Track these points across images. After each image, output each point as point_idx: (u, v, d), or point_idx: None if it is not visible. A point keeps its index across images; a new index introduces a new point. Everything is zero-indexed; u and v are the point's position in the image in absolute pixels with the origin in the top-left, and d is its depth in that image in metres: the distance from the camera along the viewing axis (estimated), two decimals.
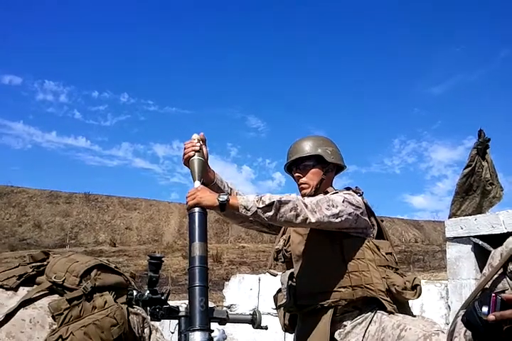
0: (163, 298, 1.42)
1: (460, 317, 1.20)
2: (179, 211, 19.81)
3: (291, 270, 1.83)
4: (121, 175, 33.67)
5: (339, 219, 1.65)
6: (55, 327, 1.36)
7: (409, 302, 1.78)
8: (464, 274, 3.74)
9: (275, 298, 1.97)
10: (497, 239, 3.45)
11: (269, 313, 4.42)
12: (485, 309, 1.07)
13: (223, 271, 9.65)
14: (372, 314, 1.69)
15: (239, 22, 39.22)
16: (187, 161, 1.65)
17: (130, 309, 1.49)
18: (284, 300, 1.81)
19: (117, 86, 37.87)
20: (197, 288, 1.35)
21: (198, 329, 1.29)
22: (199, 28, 38.00)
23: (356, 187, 1.91)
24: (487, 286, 1.22)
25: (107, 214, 19.88)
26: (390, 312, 1.66)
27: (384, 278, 1.69)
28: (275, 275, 1.92)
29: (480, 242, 3.61)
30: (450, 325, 1.25)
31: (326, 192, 1.88)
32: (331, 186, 1.96)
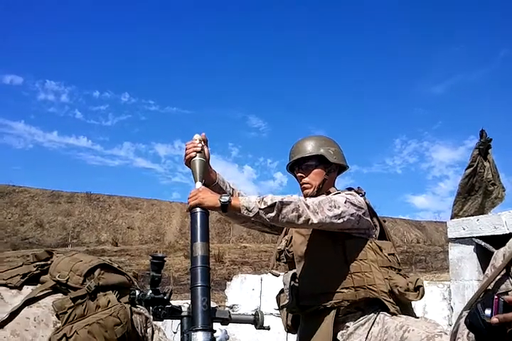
0: (165, 297, 1.42)
1: (463, 319, 1.20)
2: (181, 210, 19.82)
3: (294, 270, 1.83)
4: (123, 175, 33.76)
5: (341, 220, 1.65)
6: (59, 325, 1.37)
7: (412, 303, 1.78)
8: (467, 275, 3.73)
9: (277, 298, 1.97)
10: (499, 240, 3.44)
11: (271, 314, 4.42)
12: (488, 311, 1.07)
13: (225, 270, 9.66)
14: (375, 315, 1.69)
15: (239, 22, 39.32)
16: (188, 162, 1.65)
17: (133, 308, 1.49)
18: (287, 301, 1.81)
19: (118, 86, 38.07)
20: (199, 288, 1.35)
21: (200, 329, 1.29)
22: (199, 28, 38.11)
23: (358, 187, 1.91)
24: (490, 287, 1.22)
25: (109, 213, 19.91)
26: (392, 314, 1.66)
27: (387, 279, 1.69)
28: (277, 275, 1.92)
29: (482, 243, 3.61)
30: (453, 326, 1.25)
31: (328, 193, 1.88)
32: (333, 186, 1.96)
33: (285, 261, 1.90)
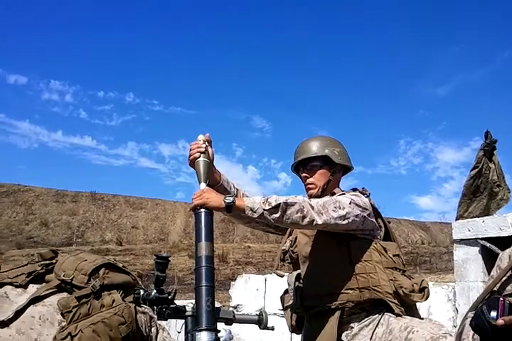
0: (169, 297, 1.43)
1: (468, 320, 1.20)
2: (185, 210, 19.87)
3: (298, 271, 1.82)
4: (127, 175, 33.90)
5: (346, 221, 1.64)
6: (64, 324, 1.37)
7: (417, 304, 1.78)
8: (472, 276, 3.72)
9: (282, 299, 1.97)
10: (505, 242, 3.42)
11: (275, 314, 4.42)
12: (493, 314, 1.07)
13: (229, 270, 9.66)
14: (380, 316, 1.68)
15: (239, 22, 39.38)
16: (192, 163, 1.65)
17: (138, 308, 1.50)
18: (291, 302, 1.81)
19: (123, 86, 38.22)
20: (203, 287, 1.35)
21: (204, 329, 1.29)
22: (200, 28, 38.22)
23: (363, 188, 1.90)
24: (495, 289, 1.22)
25: (114, 213, 19.97)
26: (397, 315, 1.65)
27: (391, 280, 1.68)
28: (282, 276, 1.92)
29: (488, 244, 3.59)
30: (458, 327, 1.25)
31: (333, 193, 1.88)
32: (338, 187, 1.96)
33: (289, 261, 1.90)
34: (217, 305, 1.51)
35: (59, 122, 36.45)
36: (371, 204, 1.80)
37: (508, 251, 1.29)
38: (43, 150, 32.08)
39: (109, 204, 20.43)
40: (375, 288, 1.67)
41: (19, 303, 1.41)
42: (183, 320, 1.45)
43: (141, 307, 1.52)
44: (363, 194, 1.83)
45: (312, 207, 1.58)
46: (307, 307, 1.77)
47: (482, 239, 3.63)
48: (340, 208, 1.64)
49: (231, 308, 5.01)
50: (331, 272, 1.74)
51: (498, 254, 1.33)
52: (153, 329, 1.54)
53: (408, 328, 1.58)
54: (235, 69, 39.07)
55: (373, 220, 1.79)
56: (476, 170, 4.91)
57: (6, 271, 1.53)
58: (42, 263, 1.55)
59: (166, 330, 1.60)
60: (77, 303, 1.40)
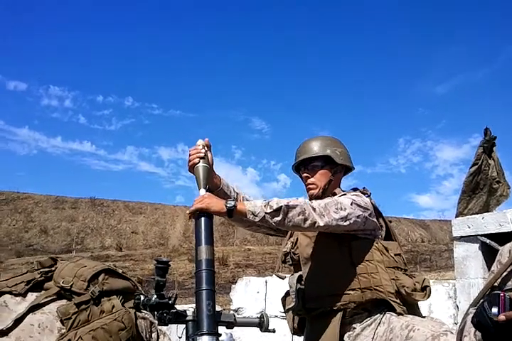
0: (170, 302, 1.42)
1: (469, 316, 1.19)
2: (185, 214, 19.81)
3: (300, 273, 1.82)
4: (127, 179, 33.89)
5: (348, 222, 1.64)
6: (63, 331, 1.37)
7: (418, 302, 1.77)
8: (472, 273, 3.72)
9: (283, 301, 1.96)
10: (505, 238, 3.42)
11: (276, 316, 4.40)
12: (495, 310, 1.07)
13: (229, 273, 9.64)
14: (381, 315, 1.68)
15: (239, 22, 39.44)
16: (192, 168, 1.64)
17: (138, 313, 1.49)
18: (293, 304, 1.80)
19: (121, 90, 38.21)
20: (204, 291, 1.34)
21: (205, 334, 1.28)
22: (199, 28, 38.24)
23: (364, 187, 1.89)
24: (496, 284, 1.22)
25: (113, 218, 19.94)
26: (399, 314, 1.65)
27: (393, 279, 1.68)
28: (283, 278, 1.91)
29: (487, 241, 3.59)
30: (459, 323, 1.24)
31: (334, 194, 1.87)
32: (339, 187, 1.95)
33: (291, 263, 1.89)
34: (217, 308, 1.50)
35: (58, 128, 36.51)
36: (372, 203, 1.80)
37: (508, 245, 1.28)
38: (42, 156, 32.10)
39: (108, 210, 20.40)
40: (377, 288, 1.66)
41: (18, 312, 1.40)
42: (184, 325, 1.45)
43: (141, 312, 1.52)
44: (364, 194, 1.83)
45: (314, 209, 1.58)
46: (309, 309, 1.77)
47: (482, 235, 3.63)
48: (341, 209, 1.63)
49: (232, 311, 5.00)
50: (332, 273, 1.73)
51: (498, 250, 1.33)
52: (154, 335, 1.54)
53: (409, 326, 1.58)
54: (235, 69, 39.12)
55: (374, 220, 1.78)
56: (476, 166, 4.91)
57: (6, 280, 1.52)
58: (41, 271, 1.54)
59: (167, 335, 1.59)
60: (77, 310, 1.39)
